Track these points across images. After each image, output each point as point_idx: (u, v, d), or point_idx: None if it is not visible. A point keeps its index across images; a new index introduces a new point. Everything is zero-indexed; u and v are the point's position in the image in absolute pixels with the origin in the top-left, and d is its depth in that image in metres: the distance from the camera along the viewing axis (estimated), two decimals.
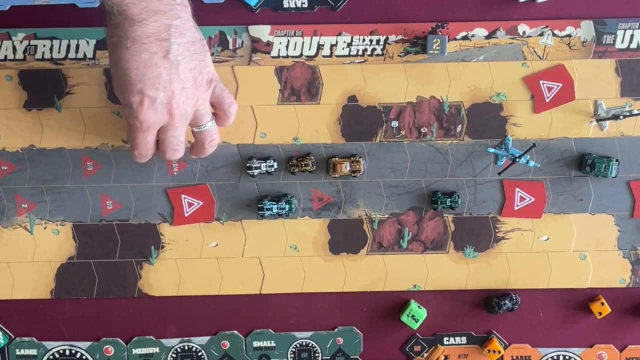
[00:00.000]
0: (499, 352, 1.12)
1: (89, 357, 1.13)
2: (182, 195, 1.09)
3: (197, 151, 1.02)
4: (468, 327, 1.13)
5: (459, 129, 1.08)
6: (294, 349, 1.13)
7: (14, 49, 1.06)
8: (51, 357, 1.13)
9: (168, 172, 1.09)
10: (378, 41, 1.06)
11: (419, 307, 1.11)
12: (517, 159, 1.05)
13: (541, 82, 1.07)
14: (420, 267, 1.11)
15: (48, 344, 1.13)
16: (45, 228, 1.10)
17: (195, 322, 1.12)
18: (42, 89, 1.07)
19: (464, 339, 1.13)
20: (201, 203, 1.09)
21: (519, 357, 1.13)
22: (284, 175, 1.09)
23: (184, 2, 0.92)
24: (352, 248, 1.11)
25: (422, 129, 1.08)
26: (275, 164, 1.08)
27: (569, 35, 1.06)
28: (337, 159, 1.07)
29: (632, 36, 1.06)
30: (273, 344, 1.13)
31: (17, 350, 1.13)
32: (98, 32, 1.06)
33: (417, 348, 1.13)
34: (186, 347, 1.13)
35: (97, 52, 1.06)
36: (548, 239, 1.10)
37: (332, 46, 1.06)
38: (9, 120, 1.08)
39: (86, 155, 1.08)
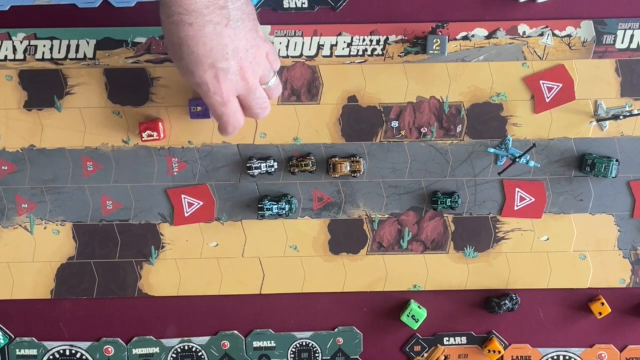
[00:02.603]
0: (499, 352, 1.12)
1: (89, 357, 1.13)
2: (182, 195, 1.09)
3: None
4: (468, 327, 1.13)
5: (459, 129, 1.08)
6: (294, 349, 1.13)
7: (14, 49, 1.06)
8: (51, 357, 1.13)
9: (168, 172, 1.09)
10: (378, 41, 1.06)
11: (419, 307, 1.11)
12: (517, 159, 1.05)
13: (541, 82, 1.07)
14: (420, 267, 1.11)
15: (48, 344, 1.13)
16: (45, 228, 1.10)
17: (195, 322, 1.12)
18: (42, 89, 1.07)
19: (464, 339, 1.13)
20: (201, 203, 1.09)
21: (519, 357, 1.13)
22: (284, 175, 1.09)
23: None
24: (352, 248, 1.11)
25: (422, 129, 1.08)
26: (275, 164, 1.08)
27: (569, 35, 1.06)
28: (337, 159, 1.07)
29: (632, 36, 1.06)
30: (273, 344, 1.13)
31: (17, 350, 1.13)
32: (98, 32, 1.06)
33: (417, 348, 1.13)
34: (186, 347, 1.13)
35: (97, 52, 1.06)
36: (548, 239, 1.10)
37: (332, 46, 1.06)
38: (9, 120, 1.08)
39: (86, 155, 1.08)
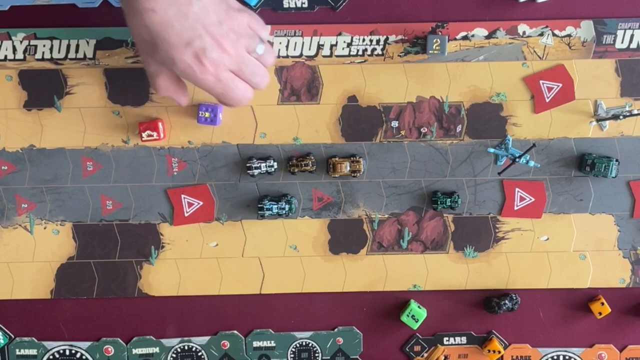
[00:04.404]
0: (499, 352, 1.12)
1: (89, 357, 1.13)
2: (182, 195, 1.09)
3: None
4: (468, 327, 1.13)
5: (459, 129, 1.08)
6: (294, 349, 1.13)
7: (14, 49, 1.06)
8: (51, 357, 1.13)
9: (168, 172, 1.09)
10: (378, 41, 1.06)
11: (419, 307, 1.11)
12: (517, 159, 1.05)
13: (541, 82, 1.07)
14: (420, 267, 1.11)
15: (48, 344, 1.13)
16: (45, 228, 1.10)
17: (195, 322, 1.12)
18: (42, 89, 1.07)
19: (464, 339, 1.13)
20: (201, 203, 1.09)
21: (519, 357, 1.13)
22: (284, 175, 1.09)
23: None
24: (352, 248, 1.11)
25: (422, 129, 1.08)
26: (275, 164, 1.08)
27: (569, 35, 1.06)
28: (337, 159, 1.07)
29: (632, 36, 1.06)
30: (273, 344, 1.13)
31: (17, 350, 1.13)
32: (98, 32, 1.06)
33: (417, 348, 1.13)
34: (186, 347, 1.13)
35: (97, 52, 1.06)
36: (548, 239, 1.10)
37: (332, 46, 1.06)
38: (9, 120, 1.08)
39: (86, 155, 1.08)
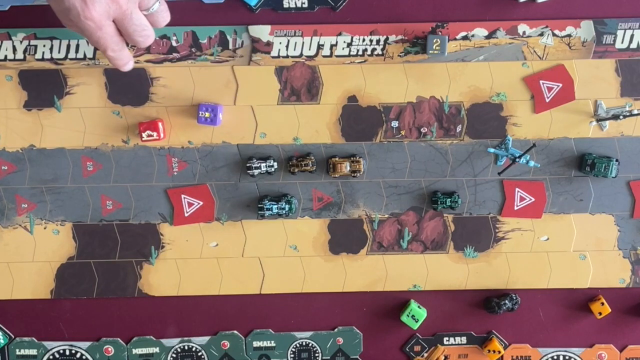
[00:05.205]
0: (499, 352, 1.12)
1: (89, 357, 1.13)
2: (182, 195, 1.09)
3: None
4: (468, 327, 1.13)
5: (459, 129, 1.08)
6: (294, 349, 1.13)
7: (14, 49, 1.06)
8: (51, 357, 1.13)
9: (168, 172, 1.09)
10: (378, 41, 1.06)
11: (419, 307, 1.11)
12: (517, 159, 1.05)
13: (541, 82, 1.07)
14: (420, 267, 1.11)
15: (48, 344, 1.13)
16: (45, 228, 1.10)
17: (195, 322, 1.12)
18: (42, 89, 1.07)
19: (464, 339, 1.13)
20: (201, 203, 1.09)
21: (519, 357, 1.13)
22: (284, 175, 1.09)
23: None
24: (352, 248, 1.11)
25: (422, 129, 1.08)
26: (275, 164, 1.08)
27: (569, 35, 1.06)
28: (337, 159, 1.07)
29: (632, 36, 1.06)
30: (273, 344, 1.13)
31: (17, 350, 1.13)
32: None
33: (417, 348, 1.13)
34: (186, 347, 1.13)
35: (97, 52, 1.06)
36: (548, 239, 1.10)
37: (332, 46, 1.06)
38: (9, 120, 1.08)
39: (86, 155, 1.08)
